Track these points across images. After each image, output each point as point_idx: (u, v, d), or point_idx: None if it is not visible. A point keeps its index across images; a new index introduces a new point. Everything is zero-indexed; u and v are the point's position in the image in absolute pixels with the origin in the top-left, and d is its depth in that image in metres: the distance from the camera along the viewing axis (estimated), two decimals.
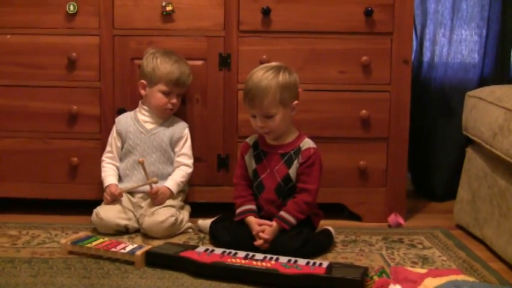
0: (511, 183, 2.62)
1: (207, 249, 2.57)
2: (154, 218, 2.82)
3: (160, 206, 2.88)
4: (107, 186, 2.95)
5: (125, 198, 2.93)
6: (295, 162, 2.74)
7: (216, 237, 2.76)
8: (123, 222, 2.85)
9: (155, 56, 2.97)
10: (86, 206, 2.96)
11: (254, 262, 2.44)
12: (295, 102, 2.73)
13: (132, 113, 3.05)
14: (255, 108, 2.70)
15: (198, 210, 3.03)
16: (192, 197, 3.10)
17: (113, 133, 3.03)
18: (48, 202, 3.18)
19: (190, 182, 3.09)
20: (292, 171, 2.74)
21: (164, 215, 2.84)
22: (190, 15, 3.07)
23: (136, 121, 3.02)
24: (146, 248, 2.57)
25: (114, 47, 3.09)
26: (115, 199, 2.90)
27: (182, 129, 3.03)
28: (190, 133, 3.09)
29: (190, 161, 3.03)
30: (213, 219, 2.88)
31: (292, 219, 2.68)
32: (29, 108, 3.11)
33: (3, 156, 3.13)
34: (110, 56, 3.08)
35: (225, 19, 3.08)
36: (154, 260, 2.53)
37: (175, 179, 2.97)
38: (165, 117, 3.03)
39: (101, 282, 2.34)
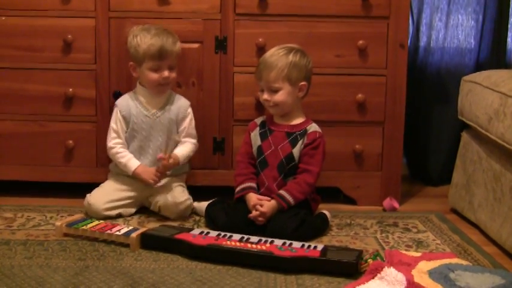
0: (505, 168, 2.63)
1: (202, 232, 2.59)
2: (173, 199, 2.86)
3: (175, 185, 2.93)
4: (137, 168, 2.90)
5: (127, 181, 2.94)
6: (300, 142, 2.79)
7: (212, 219, 2.78)
8: (113, 212, 2.87)
9: (134, 34, 2.91)
10: (81, 189, 2.97)
11: (249, 245, 2.46)
12: (303, 83, 2.78)
13: (131, 95, 2.98)
14: (263, 81, 2.78)
15: (193, 193, 3.04)
16: (188, 180, 3.10)
17: (117, 117, 2.95)
18: (43, 185, 3.19)
19: None
20: (296, 151, 2.78)
21: (182, 196, 2.90)
22: None
23: (138, 103, 2.95)
24: (141, 230, 2.58)
25: (110, 30, 3.08)
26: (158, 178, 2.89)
27: (185, 108, 2.99)
28: None
29: (195, 141, 3.00)
30: (209, 202, 2.89)
31: (291, 199, 2.71)
32: (24, 91, 3.10)
33: (0, 139, 3.14)
34: (105, 38, 3.08)
35: (222, 2, 3.08)
36: (149, 242, 2.54)
37: (184, 150, 2.95)
38: (163, 94, 2.96)
39: (96, 264, 2.35)
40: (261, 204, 2.69)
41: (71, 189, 3.12)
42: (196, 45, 3.09)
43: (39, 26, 3.07)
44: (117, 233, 2.57)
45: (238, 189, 2.82)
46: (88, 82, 3.09)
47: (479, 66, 3.56)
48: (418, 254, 2.42)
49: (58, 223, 2.66)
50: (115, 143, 2.93)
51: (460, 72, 3.44)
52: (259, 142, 2.84)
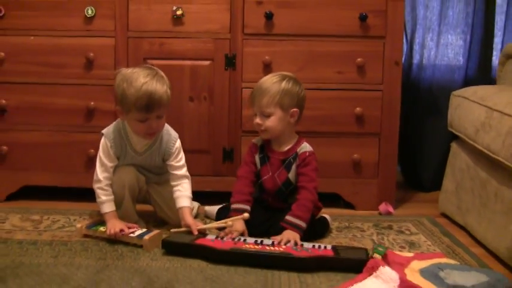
0: (491, 175, 2.64)
1: (217, 236, 2.57)
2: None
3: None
4: (109, 213, 2.67)
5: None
6: (294, 166, 2.73)
7: None
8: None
9: (120, 80, 2.60)
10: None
11: (267, 247, 2.44)
12: (295, 109, 2.70)
13: (120, 129, 2.72)
14: (255, 106, 2.71)
15: (204, 198, 3.06)
16: (200, 186, 3.11)
17: (108, 152, 2.70)
18: (67, 190, 3.21)
19: (198, 173, 3.11)
20: (292, 175, 2.74)
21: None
22: (199, 19, 3.09)
23: (128, 143, 2.72)
24: (154, 232, 2.59)
25: (129, 48, 3.11)
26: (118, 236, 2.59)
27: (172, 145, 2.76)
28: (198, 128, 3.14)
29: (185, 169, 2.79)
30: (219, 206, 2.90)
31: (300, 222, 2.61)
32: (50, 104, 3.14)
33: (28, 148, 3.17)
34: (124, 56, 3.11)
35: (231, 23, 3.10)
36: (170, 248, 2.50)
37: (188, 195, 2.75)
38: (149, 140, 2.71)
39: (115, 263, 2.37)
40: (289, 240, 2.54)
41: (92, 194, 3.13)
42: (207, 63, 3.12)
43: (64, 44, 3.10)
44: (132, 235, 2.57)
45: (234, 206, 2.72)
46: (108, 96, 3.10)
47: (467, 82, 3.57)
48: (411, 254, 2.44)
49: (78, 225, 2.68)
50: (104, 177, 2.69)
51: (450, 87, 3.43)
52: (259, 166, 2.79)
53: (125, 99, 2.57)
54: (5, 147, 3.16)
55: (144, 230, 2.64)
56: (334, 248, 2.46)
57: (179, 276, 2.27)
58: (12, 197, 3.21)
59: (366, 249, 2.46)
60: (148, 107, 2.56)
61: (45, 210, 3.02)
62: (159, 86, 2.57)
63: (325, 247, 2.47)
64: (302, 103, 2.75)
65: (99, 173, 2.71)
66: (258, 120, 2.71)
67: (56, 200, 3.20)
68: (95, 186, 2.71)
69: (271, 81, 2.69)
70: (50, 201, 3.18)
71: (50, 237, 2.65)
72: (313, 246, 2.48)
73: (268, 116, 2.69)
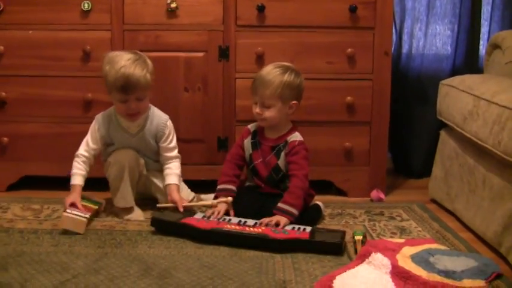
0: (478, 162, 2.64)
1: (204, 216, 2.62)
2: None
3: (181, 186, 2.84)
4: (74, 186, 2.74)
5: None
6: (283, 153, 2.73)
7: None
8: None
9: (106, 62, 2.70)
10: (98, 183, 2.96)
11: (247, 228, 2.48)
12: (294, 102, 2.72)
13: (111, 115, 2.82)
14: (257, 96, 2.71)
15: (199, 186, 3.04)
16: (195, 175, 3.11)
17: (95, 135, 2.80)
18: (66, 179, 3.19)
19: (194, 162, 3.10)
20: (281, 162, 2.74)
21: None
22: (193, 12, 3.07)
23: (118, 126, 2.80)
24: (77, 216, 2.56)
25: (124, 41, 3.09)
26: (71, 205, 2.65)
27: (163, 126, 2.82)
28: (193, 118, 3.12)
29: (176, 151, 2.86)
30: (214, 194, 2.89)
31: (291, 209, 2.60)
32: (49, 96, 3.12)
33: (28, 139, 3.15)
34: (120, 48, 3.06)
35: (224, 15, 3.08)
36: (158, 225, 2.57)
37: (177, 173, 2.82)
38: (135, 121, 2.78)
39: (113, 251, 2.37)
40: (271, 221, 2.57)
41: (90, 183, 3.11)
42: (201, 54, 3.10)
43: (62, 38, 3.08)
44: (68, 211, 2.58)
45: (218, 187, 2.78)
46: (104, 88, 3.06)
47: (455, 71, 3.56)
48: (402, 240, 2.44)
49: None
50: (83, 155, 2.77)
51: (438, 76, 3.43)
52: (250, 151, 2.80)
53: (107, 81, 2.69)
54: (5, 139, 3.14)
55: (82, 214, 2.60)
56: (312, 230, 2.48)
57: (176, 263, 2.26)
58: (13, 187, 3.20)
59: (343, 232, 2.47)
60: (124, 88, 2.64)
61: (45, 199, 3.01)
62: (138, 70, 2.65)
63: (304, 229, 2.49)
64: (301, 95, 2.77)
65: (81, 149, 2.80)
66: (258, 110, 2.72)
67: (56, 189, 3.17)
68: (74, 159, 2.78)
69: (274, 73, 2.69)
70: (49, 191, 3.17)
71: (50, 226, 2.64)
72: (293, 228, 2.51)
73: (268, 107, 2.69)
